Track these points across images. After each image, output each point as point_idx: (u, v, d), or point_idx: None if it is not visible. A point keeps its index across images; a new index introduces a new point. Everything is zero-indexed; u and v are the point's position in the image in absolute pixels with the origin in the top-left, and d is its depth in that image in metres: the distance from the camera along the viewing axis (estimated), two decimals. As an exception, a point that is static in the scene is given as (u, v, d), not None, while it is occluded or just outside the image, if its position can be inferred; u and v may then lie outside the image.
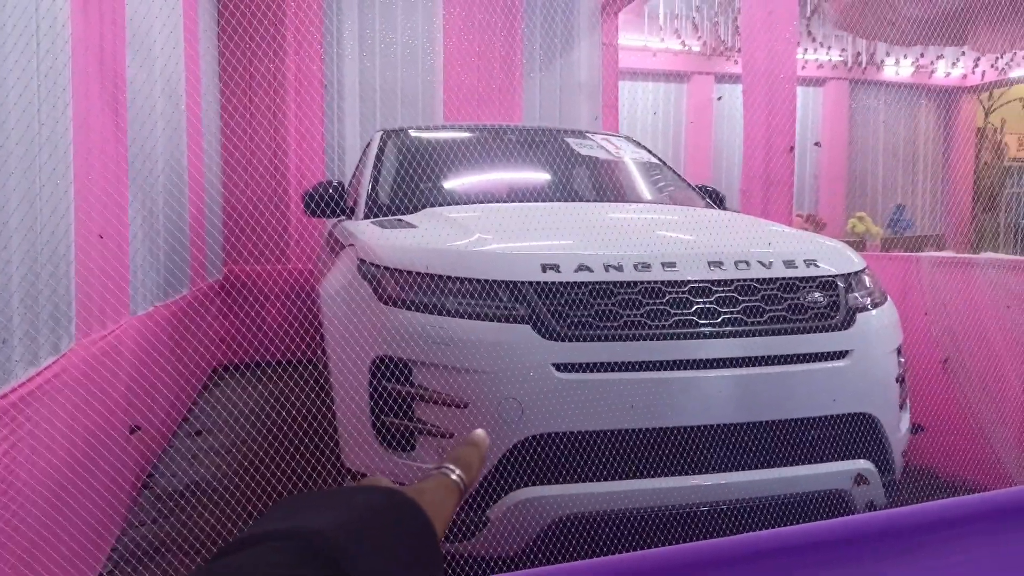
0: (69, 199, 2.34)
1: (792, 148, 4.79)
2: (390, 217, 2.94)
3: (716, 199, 3.77)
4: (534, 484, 2.12)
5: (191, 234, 4.26)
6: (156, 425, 3.39)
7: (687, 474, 2.17)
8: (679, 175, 3.90)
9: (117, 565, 2.56)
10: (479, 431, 0.68)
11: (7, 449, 1.83)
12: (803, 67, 9.31)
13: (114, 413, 2.65)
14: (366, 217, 3.07)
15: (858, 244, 5.80)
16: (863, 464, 2.32)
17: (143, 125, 3.31)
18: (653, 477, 2.15)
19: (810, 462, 2.28)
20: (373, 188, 3.33)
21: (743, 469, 2.21)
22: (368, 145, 3.88)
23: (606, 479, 2.13)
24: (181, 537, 2.75)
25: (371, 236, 2.63)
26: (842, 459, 2.30)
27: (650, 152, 3.96)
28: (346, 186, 3.87)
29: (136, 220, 3.13)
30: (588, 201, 3.55)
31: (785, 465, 2.25)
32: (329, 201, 3.24)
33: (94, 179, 2.57)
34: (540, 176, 3.60)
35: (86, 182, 2.48)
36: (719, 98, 9.48)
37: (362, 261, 2.48)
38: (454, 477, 0.61)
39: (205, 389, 4.78)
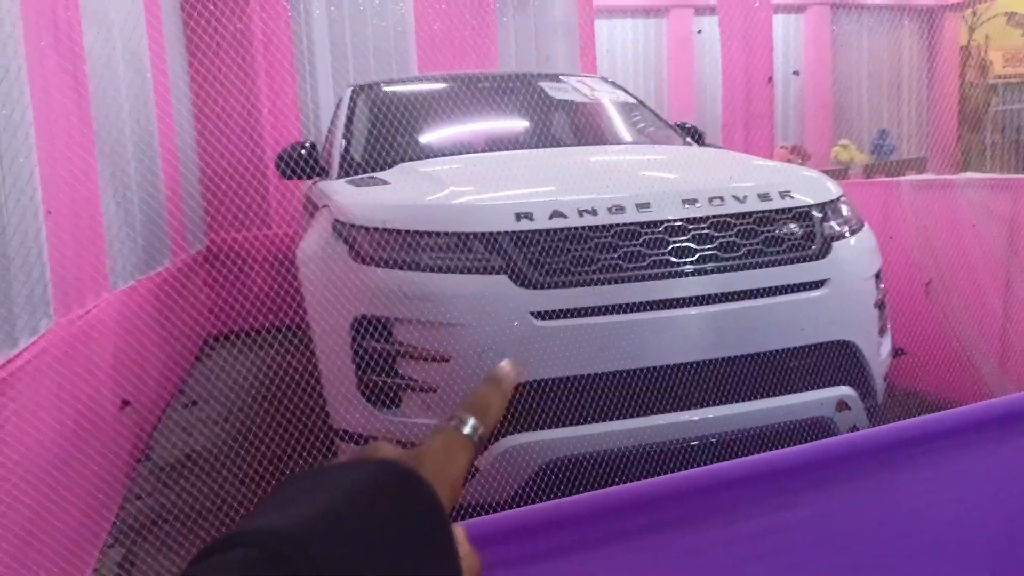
0: (35, 178, 2.31)
1: (770, 79, 4.73)
2: (363, 175, 2.91)
3: (695, 136, 3.73)
4: (521, 431, 2.14)
5: (168, 205, 4.22)
6: (149, 398, 3.41)
7: (672, 411, 2.20)
8: (657, 114, 3.85)
9: (119, 537, 2.60)
10: (504, 363, 0.58)
11: (-6, 431, 1.84)
12: (782, -6, 9.13)
13: (103, 390, 2.66)
14: (340, 176, 3.04)
15: (842, 172, 5.78)
16: (845, 391, 2.35)
17: (107, 95, 3.24)
18: (639, 416, 2.18)
19: (793, 391, 2.31)
20: (346, 146, 3.29)
21: (727, 403, 2.24)
22: (339, 102, 3.81)
23: (592, 421, 2.16)
24: (181, 507, 2.79)
25: (344, 195, 2.61)
26: (824, 387, 2.33)
27: (627, 92, 3.91)
28: (320, 146, 3.82)
29: (108, 194, 3.09)
30: (564, 146, 3.51)
31: (769, 396, 2.28)
32: (301, 162, 3.20)
33: (59, 155, 2.53)
34: (515, 124, 3.55)
35: (51, 159, 2.44)
36: (699, 32, 9.30)
37: (337, 221, 2.46)
38: (466, 430, 0.53)
39: (198, 359, 4.79)
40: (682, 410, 2.21)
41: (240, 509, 2.68)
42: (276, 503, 0.44)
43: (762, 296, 2.24)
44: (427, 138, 3.42)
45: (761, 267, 2.25)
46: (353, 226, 2.37)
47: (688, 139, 3.61)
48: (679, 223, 2.24)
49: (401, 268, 2.22)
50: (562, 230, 2.20)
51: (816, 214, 2.42)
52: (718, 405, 2.24)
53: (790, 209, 2.38)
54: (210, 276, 5.13)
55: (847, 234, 2.47)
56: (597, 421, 2.17)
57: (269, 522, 0.41)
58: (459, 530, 0.51)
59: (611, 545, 1.26)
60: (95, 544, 2.45)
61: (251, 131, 5.46)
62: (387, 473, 0.47)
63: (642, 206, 2.25)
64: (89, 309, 2.63)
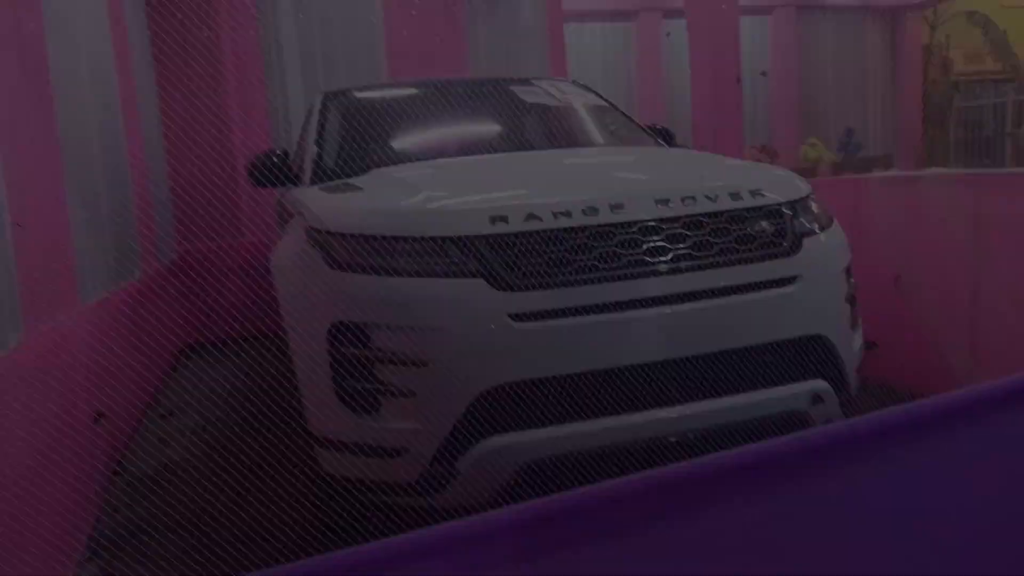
0: (1, 196, 2.28)
1: (739, 79, 4.79)
2: (337, 182, 2.90)
3: (666, 137, 3.77)
4: (501, 433, 2.14)
5: (138, 217, 4.17)
6: (123, 410, 3.36)
7: (650, 408, 2.21)
8: (628, 116, 3.88)
9: (95, 550, 2.57)
10: None
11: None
12: (748, -4, 9.24)
13: (76, 403, 2.63)
14: (313, 183, 3.03)
15: (811, 170, 5.87)
16: (819, 384, 2.38)
17: (73, 106, 3.20)
18: (618, 414, 2.19)
19: (768, 386, 2.33)
20: (318, 153, 3.27)
21: (703, 399, 2.26)
22: (310, 109, 3.80)
23: (571, 421, 2.17)
24: (156, 519, 2.76)
25: (318, 202, 2.60)
26: (798, 381, 2.36)
27: (597, 95, 3.93)
28: (292, 153, 3.80)
29: (76, 208, 3.05)
30: (537, 149, 3.53)
31: (745, 391, 2.30)
32: (274, 169, 3.18)
33: (25, 172, 2.49)
34: (487, 128, 3.56)
35: (17, 177, 2.41)
36: (668, 34, 9.40)
37: (311, 228, 2.45)
38: None
39: (172, 370, 4.74)
40: (660, 407, 2.23)
41: (218, 519, 2.66)
42: None
43: (735, 293, 2.26)
44: (400, 143, 3.42)
45: (734, 264, 2.28)
46: (328, 233, 2.37)
47: (659, 140, 3.65)
48: (652, 223, 2.26)
49: (377, 274, 2.21)
50: (537, 232, 2.21)
51: (786, 211, 2.45)
52: (695, 401, 2.26)
53: (761, 207, 2.41)
54: (183, 286, 5.08)
55: (817, 230, 2.51)
56: (576, 420, 2.18)
57: None
58: None
59: (586, 544, 1.27)
60: (71, 558, 2.42)
61: (221, 140, 5.41)
62: None
63: (616, 207, 2.27)
64: (60, 322, 2.59)
